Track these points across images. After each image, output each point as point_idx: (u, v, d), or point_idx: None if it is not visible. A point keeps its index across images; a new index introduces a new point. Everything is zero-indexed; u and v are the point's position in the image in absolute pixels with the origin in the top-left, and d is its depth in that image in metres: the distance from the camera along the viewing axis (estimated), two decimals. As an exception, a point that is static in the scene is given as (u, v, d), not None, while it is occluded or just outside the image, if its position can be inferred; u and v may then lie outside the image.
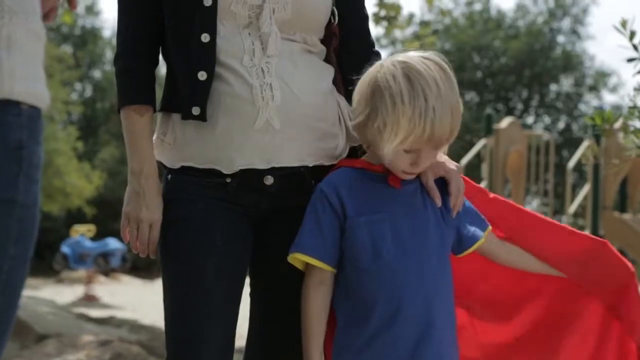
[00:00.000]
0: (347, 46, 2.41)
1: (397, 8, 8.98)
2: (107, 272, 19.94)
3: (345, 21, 2.47)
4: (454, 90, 2.21)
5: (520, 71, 29.96)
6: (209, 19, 2.28)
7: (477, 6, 31.31)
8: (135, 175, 2.33)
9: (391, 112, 2.16)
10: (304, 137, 2.33)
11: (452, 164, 2.37)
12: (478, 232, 2.38)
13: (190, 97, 2.29)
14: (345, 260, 2.28)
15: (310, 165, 2.35)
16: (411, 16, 10.24)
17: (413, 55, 2.22)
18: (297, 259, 2.29)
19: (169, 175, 2.37)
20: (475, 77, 30.24)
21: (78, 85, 30.80)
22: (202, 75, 2.27)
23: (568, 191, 9.73)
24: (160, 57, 2.41)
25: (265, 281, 2.43)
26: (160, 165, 2.40)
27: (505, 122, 10.43)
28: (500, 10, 31.19)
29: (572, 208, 9.73)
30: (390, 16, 8.99)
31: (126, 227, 2.35)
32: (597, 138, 9.09)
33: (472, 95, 30.54)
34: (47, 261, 21.97)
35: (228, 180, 2.31)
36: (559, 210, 20.16)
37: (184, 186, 2.33)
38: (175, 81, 2.33)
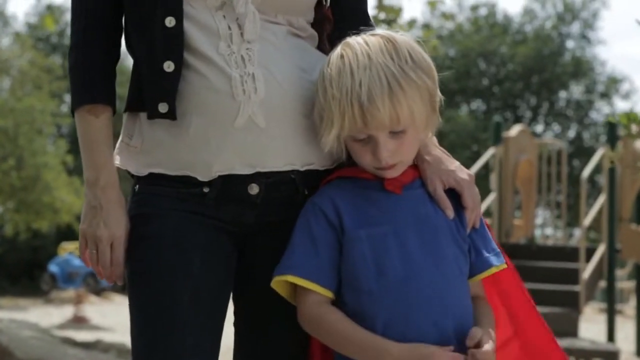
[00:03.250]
0: (342, 32, 2.17)
1: (397, 11, 8.95)
2: (98, 291, 19.85)
3: (339, 3, 2.25)
4: (402, 61, 1.99)
5: (528, 78, 29.98)
6: (173, 0, 2.04)
7: (483, 11, 31.32)
8: (91, 187, 2.10)
9: (322, 99, 2.02)
10: (293, 136, 2.09)
11: (463, 173, 2.13)
12: (492, 258, 2.13)
13: (155, 92, 2.05)
14: (341, 282, 2.04)
15: (302, 169, 2.11)
16: (413, 21, 10.21)
17: (364, 34, 2.05)
18: (285, 282, 2.04)
19: (137, 186, 2.14)
20: (481, 85, 30.27)
21: (68, 97, 30.73)
22: (168, 66, 2.04)
23: (583, 202, 9.55)
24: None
25: (251, 309, 2.18)
26: (128, 174, 2.16)
27: (515, 130, 10.43)
28: (507, 15, 31.33)
29: (588, 220, 9.53)
30: (390, 19, 8.92)
31: (84, 249, 2.11)
32: (612, 145, 9.00)
33: (478, 104, 30.52)
34: (36, 281, 21.91)
35: (205, 189, 2.07)
36: (571, 223, 20.06)
37: (153, 198, 2.09)
38: (140, 75, 2.10)
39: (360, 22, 2.20)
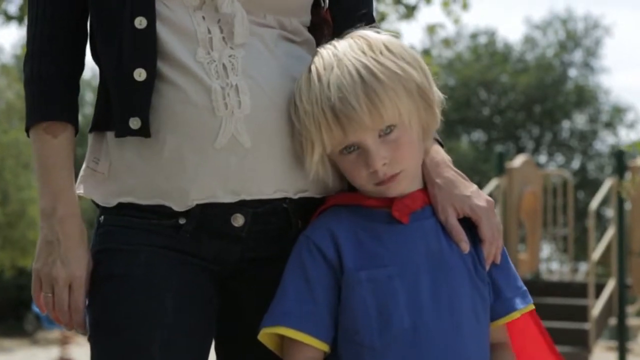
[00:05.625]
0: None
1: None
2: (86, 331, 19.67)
3: (340, 3, 2.03)
4: (376, 53, 1.81)
5: (530, 107, 29.99)
6: None
7: (482, 39, 31.33)
8: (47, 218, 1.87)
9: (297, 121, 1.84)
10: (284, 158, 1.87)
11: (481, 199, 1.90)
12: (515, 300, 1.89)
13: (126, 106, 1.84)
14: (337, 332, 1.81)
15: (294, 197, 1.89)
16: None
17: (335, 40, 1.88)
18: (274, 334, 1.82)
19: (102, 217, 1.92)
20: (482, 115, 30.26)
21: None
22: (139, 74, 1.83)
23: (592, 235, 9.40)
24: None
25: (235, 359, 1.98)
26: (93, 204, 1.95)
27: (519, 160, 10.37)
28: (507, 43, 31.28)
29: (597, 254, 9.39)
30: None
31: (38, 292, 1.88)
32: (620, 175, 8.95)
33: (479, 134, 30.50)
34: (22, 321, 21.78)
35: (181, 221, 1.85)
36: (578, 257, 19.95)
37: (120, 231, 1.88)
38: (108, 87, 1.89)
39: (362, 25, 1.95)
